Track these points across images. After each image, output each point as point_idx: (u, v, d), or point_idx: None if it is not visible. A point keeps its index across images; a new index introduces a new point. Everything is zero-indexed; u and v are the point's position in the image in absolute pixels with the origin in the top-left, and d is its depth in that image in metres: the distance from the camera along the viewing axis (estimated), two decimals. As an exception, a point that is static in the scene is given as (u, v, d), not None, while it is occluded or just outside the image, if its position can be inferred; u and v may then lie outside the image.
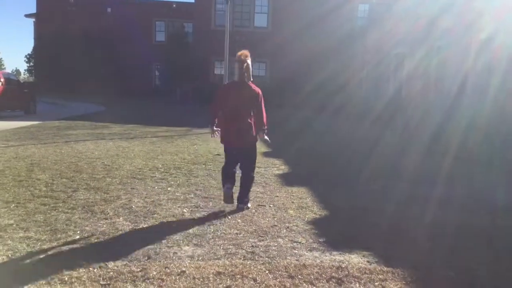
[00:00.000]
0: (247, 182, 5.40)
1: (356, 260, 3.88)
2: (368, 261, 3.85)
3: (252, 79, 5.32)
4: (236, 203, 5.32)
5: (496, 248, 4.39)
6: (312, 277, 3.50)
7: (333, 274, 3.56)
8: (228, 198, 5.24)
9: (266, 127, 5.40)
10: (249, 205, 5.40)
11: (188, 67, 25.65)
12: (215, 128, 5.22)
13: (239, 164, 5.41)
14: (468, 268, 3.82)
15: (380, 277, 3.55)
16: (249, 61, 5.23)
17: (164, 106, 23.99)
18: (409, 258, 3.97)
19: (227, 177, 5.33)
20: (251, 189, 5.58)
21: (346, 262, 3.81)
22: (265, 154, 9.55)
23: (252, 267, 3.62)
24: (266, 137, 5.43)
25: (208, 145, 10.63)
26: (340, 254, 4.00)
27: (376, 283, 3.44)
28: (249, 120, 5.21)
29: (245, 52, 5.26)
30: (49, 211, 4.94)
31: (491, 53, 11.11)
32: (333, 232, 4.62)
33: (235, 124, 5.18)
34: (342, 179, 7.44)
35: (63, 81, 30.08)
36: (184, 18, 30.74)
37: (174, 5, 32.89)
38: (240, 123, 5.17)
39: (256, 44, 26.16)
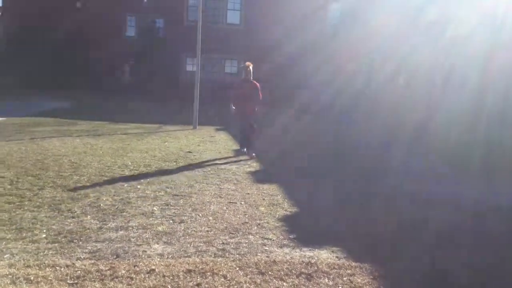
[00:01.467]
0: (251, 134, 9.01)
1: (325, 255, 3.94)
2: (337, 257, 3.92)
3: (252, 77, 8.91)
4: (247, 151, 8.92)
5: (465, 243, 4.54)
6: (282, 273, 3.53)
7: (302, 269, 3.61)
8: (245, 154, 8.86)
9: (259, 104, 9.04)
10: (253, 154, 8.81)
11: (159, 63, 25.34)
12: (233, 107, 8.96)
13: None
14: (432, 262, 3.94)
15: (348, 272, 3.62)
16: (251, 67, 8.90)
17: (134, 103, 23.62)
18: (377, 253, 4.06)
19: (243, 139, 9.14)
20: (224, 187, 6.01)
21: (316, 258, 3.86)
22: (238, 152, 9.55)
23: (222, 264, 3.63)
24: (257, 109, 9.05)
25: (179, 142, 10.55)
26: (310, 250, 4.05)
27: (344, 278, 3.50)
28: (252, 101, 8.81)
29: (249, 62, 9.20)
30: (14, 210, 4.80)
31: (469, 52, 11.35)
32: (303, 229, 4.67)
33: (245, 103, 8.80)
34: (314, 176, 7.52)
35: (29, 77, 29.17)
36: (155, 13, 30.27)
37: (146, 0, 32.39)
38: (247, 103, 8.79)
39: (228, 41, 26.13)
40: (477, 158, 8.29)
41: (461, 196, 6.43)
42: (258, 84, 8.91)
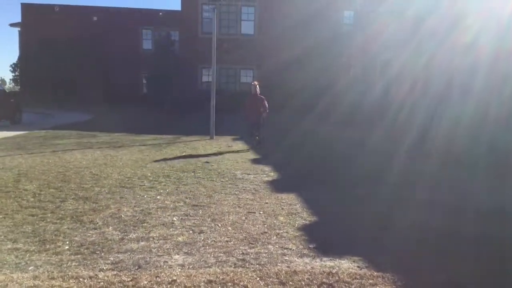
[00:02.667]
0: (259, 132, 11.67)
1: (346, 265, 3.91)
2: (358, 266, 3.89)
3: (259, 92, 11.73)
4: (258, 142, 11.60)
5: (482, 251, 4.45)
6: (303, 283, 3.51)
7: (324, 280, 3.59)
8: (256, 145, 11.54)
9: (267, 111, 11.68)
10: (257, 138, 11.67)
11: (175, 75, 25.61)
12: (245, 113, 11.85)
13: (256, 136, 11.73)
14: (457, 272, 3.87)
15: (371, 282, 3.58)
16: (257, 85, 11.79)
17: (152, 114, 23.89)
18: (399, 262, 4.01)
19: (250, 135, 11.93)
20: (242, 196, 6.02)
21: (337, 268, 3.83)
22: (254, 161, 9.57)
23: (243, 275, 3.63)
24: (265, 115, 11.74)
25: (197, 153, 10.61)
26: (330, 259, 4.02)
27: (366, 288, 3.47)
28: (259, 110, 11.49)
29: (256, 81, 12.32)
30: (37, 222, 4.89)
31: (474, 56, 11.30)
32: (323, 238, 4.64)
33: (253, 111, 11.52)
34: (331, 184, 7.49)
35: (49, 91, 29.81)
36: (170, 26, 30.72)
37: (161, 13, 32.88)
38: (254, 111, 11.50)
39: (243, 51, 26.29)
40: None
41: (484, 204, 6.32)
42: (263, 98, 11.72)
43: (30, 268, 3.68)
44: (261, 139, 11.61)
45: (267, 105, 11.59)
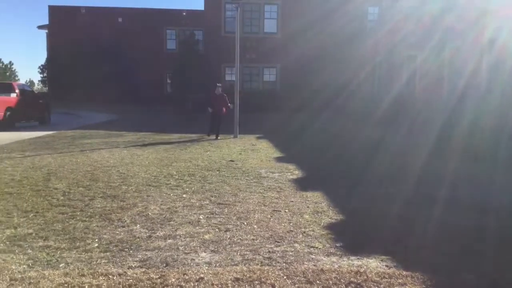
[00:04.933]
0: (219, 125, 13.96)
1: (374, 264, 3.85)
2: (386, 265, 3.83)
3: (223, 92, 14.75)
4: (215, 137, 13.64)
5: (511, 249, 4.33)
6: (331, 282, 3.48)
7: (351, 279, 3.54)
8: (212, 136, 13.82)
9: (230, 105, 14.49)
10: (219, 137, 13.73)
11: (199, 74, 25.80)
12: (210, 109, 14.34)
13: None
14: (486, 271, 3.77)
15: (400, 281, 3.52)
16: (220, 87, 14.82)
17: (176, 114, 24.15)
18: (427, 261, 3.93)
19: (211, 128, 14.07)
20: (267, 195, 5.99)
21: (365, 267, 3.78)
22: (279, 159, 9.55)
23: (270, 273, 3.62)
24: (230, 106, 14.54)
25: (222, 151, 10.66)
26: (358, 258, 3.98)
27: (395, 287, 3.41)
28: (222, 106, 14.24)
29: (219, 84, 15.36)
30: (67, 220, 4.99)
31: (499, 53, 10.99)
32: (349, 237, 4.59)
33: (217, 107, 14.14)
34: (357, 182, 7.40)
35: (77, 91, 30.43)
36: (194, 25, 30.96)
37: (184, 13, 33.14)
38: (219, 107, 14.15)
39: (266, 50, 26.26)
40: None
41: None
42: (226, 96, 14.53)
43: (61, 265, 3.76)
44: (217, 131, 13.95)
45: (228, 100, 14.49)
